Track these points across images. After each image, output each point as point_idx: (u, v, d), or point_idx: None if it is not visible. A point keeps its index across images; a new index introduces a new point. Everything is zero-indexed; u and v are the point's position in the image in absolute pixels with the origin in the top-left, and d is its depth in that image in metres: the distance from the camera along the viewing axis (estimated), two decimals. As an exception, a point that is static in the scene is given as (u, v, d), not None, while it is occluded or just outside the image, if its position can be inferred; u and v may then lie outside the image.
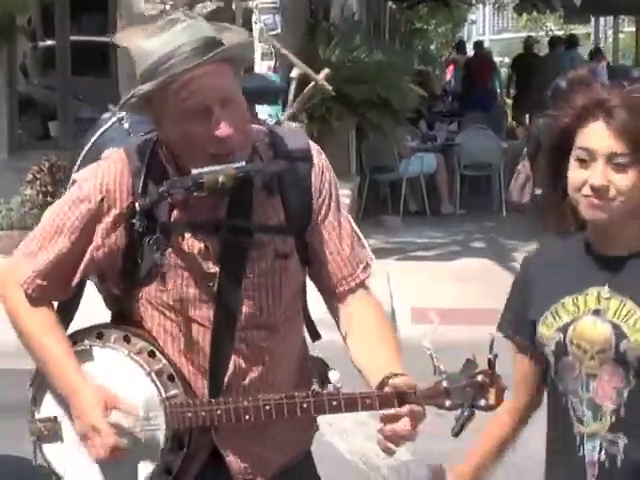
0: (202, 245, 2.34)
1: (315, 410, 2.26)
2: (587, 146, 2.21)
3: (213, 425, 2.33)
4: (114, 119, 2.58)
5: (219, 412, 2.28)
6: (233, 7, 9.17)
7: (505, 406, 2.29)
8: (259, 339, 2.38)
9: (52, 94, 12.31)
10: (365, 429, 4.86)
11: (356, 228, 2.53)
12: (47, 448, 2.41)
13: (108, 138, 2.56)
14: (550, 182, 2.34)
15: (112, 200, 2.33)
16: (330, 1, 11.31)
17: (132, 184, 2.33)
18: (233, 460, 2.40)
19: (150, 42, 2.25)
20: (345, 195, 8.58)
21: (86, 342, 2.39)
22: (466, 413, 2.21)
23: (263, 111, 8.23)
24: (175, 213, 2.33)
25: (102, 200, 2.33)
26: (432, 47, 30.04)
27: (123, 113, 2.50)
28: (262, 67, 9.07)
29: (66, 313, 2.45)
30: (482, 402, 2.22)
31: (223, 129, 2.23)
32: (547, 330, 2.30)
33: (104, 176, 2.34)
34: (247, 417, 2.27)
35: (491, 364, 2.22)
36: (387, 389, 2.22)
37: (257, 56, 8.91)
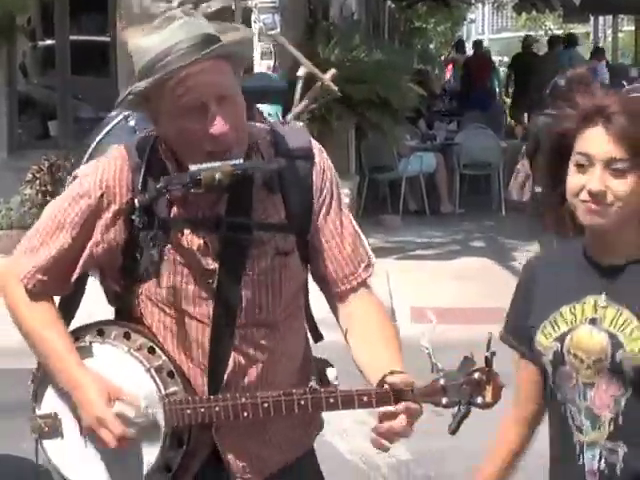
0: (201, 241, 2.34)
1: (312, 407, 2.26)
2: (586, 151, 2.20)
3: (212, 423, 2.33)
4: (120, 117, 2.57)
5: (217, 409, 2.28)
6: (233, 6, 9.17)
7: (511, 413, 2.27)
8: (259, 337, 2.38)
9: (52, 94, 12.29)
10: (365, 428, 4.83)
11: (358, 227, 2.53)
12: (48, 444, 2.42)
13: (114, 135, 2.56)
14: (549, 183, 2.34)
15: (112, 196, 2.33)
16: (329, 0, 11.30)
17: (132, 180, 2.33)
18: (232, 459, 2.41)
19: (148, 39, 2.25)
20: (344, 194, 8.55)
21: (86, 339, 2.39)
22: (463, 410, 2.21)
23: (263, 110, 8.21)
24: (174, 209, 2.33)
25: (102, 196, 2.33)
26: (431, 46, 30.05)
27: (129, 111, 2.50)
28: (261, 66, 9.07)
29: (67, 311, 2.45)
30: (479, 399, 2.22)
31: (218, 126, 2.22)
32: (545, 340, 2.29)
33: (104, 172, 2.34)
34: (245, 414, 2.27)
35: (488, 362, 2.22)
36: (385, 387, 2.23)
37: (256, 55, 8.92)
